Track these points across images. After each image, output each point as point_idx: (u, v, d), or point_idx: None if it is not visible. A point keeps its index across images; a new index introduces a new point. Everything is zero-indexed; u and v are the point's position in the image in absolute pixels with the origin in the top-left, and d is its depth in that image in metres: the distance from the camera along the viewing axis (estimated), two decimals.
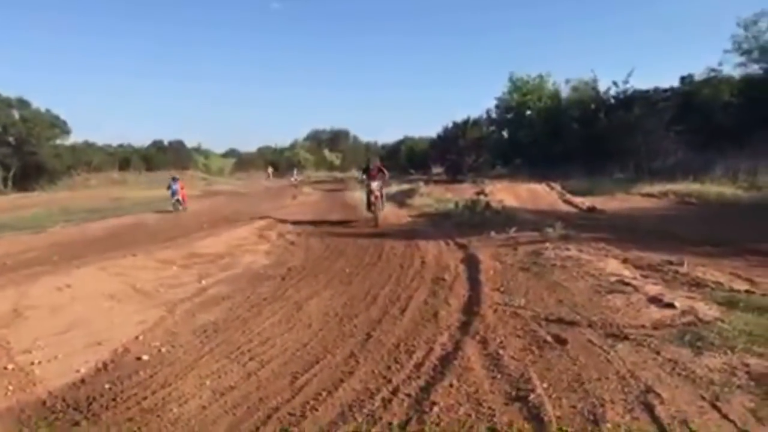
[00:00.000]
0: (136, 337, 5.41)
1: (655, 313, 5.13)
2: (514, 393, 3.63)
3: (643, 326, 4.80)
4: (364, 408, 3.58)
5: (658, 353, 4.14)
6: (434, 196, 21.86)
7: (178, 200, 21.29)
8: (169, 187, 21.58)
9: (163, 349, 5.09)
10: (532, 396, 3.52)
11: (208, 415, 3.68)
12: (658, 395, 3.41)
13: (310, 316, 5.98)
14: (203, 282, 7.84)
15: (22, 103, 43.90)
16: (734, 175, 20.22)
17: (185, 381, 4.29)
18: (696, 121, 27.27)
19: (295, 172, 46.71)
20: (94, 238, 13.32)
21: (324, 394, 3.88)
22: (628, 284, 6.16)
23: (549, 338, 4.66)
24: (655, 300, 5.47)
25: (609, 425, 3.09)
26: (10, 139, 42.60)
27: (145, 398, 3.99)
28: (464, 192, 21.32)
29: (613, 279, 6.47)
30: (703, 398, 3.38)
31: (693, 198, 18.35)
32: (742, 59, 27.70)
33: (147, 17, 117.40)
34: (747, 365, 3.82)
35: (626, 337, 4.53)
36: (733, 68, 28.70)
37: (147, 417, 3.68)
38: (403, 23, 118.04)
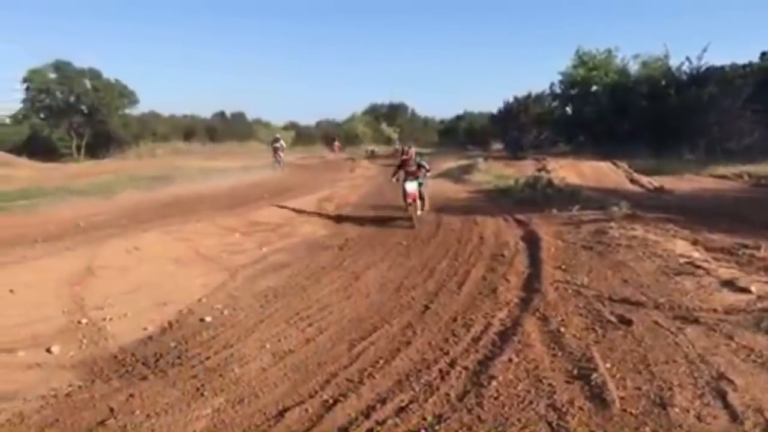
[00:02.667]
0: (200, 300, 5.60)
1: (729, 297, 4.88)
2: (575, 371, 3.54)
3: (714, 310, 4.57)
4: (421, 378, 3.58)
5: (731, 338, 3.93)
6: (493, 172, 21.44)
7: (334, 151, 39.31)
8: (331, 144, 41.23)
9: (225, 312, 5.25)
10: (594, 375, 3.42)
11: (268, 377, 3.77)
12: (731, 382, 3.25)
13: (367, 286, 6.02)
14: (264, 249, 8.00)
15: (94, 73, 45.44)
16: None
17: (246, 343, 4.41)
18: None
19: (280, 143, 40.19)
20: (160, 204, 13.75)
21: (381, 362, 3.90)
22: (698, 266, 5.87)
23: (613, 318, 4.51)
24: (728, 284, 5.19)
25: (677, 410, 2.97)
26: (83, 107, 44.29)
27: (208, 358, 4.13)
28: (525, 169, 20.83)
29: (682, 260, 6.18)
30: None
31: None
32: None
33: None
34: None
35: (696, 321, 4.33)
36: None
37: (210, 376, 3.80)
38: None
